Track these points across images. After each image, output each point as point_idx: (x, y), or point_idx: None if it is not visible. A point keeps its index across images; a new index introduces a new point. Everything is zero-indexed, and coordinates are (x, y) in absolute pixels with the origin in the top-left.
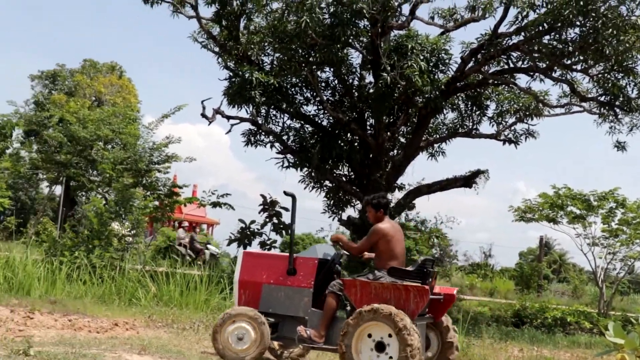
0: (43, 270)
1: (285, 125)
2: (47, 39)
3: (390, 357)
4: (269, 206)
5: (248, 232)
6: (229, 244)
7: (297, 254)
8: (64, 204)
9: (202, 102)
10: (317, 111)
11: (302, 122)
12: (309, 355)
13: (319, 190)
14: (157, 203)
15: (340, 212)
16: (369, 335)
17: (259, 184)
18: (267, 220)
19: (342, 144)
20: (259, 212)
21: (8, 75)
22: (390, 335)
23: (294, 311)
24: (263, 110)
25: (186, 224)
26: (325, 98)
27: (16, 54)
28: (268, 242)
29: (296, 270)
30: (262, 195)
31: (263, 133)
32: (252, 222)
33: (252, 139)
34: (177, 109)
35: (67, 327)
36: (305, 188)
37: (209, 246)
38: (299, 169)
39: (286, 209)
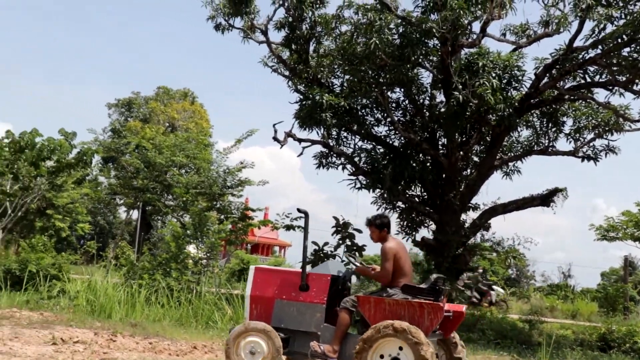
0: (123, 293)
1: (357, 146)
2: (123, 68)
3: None
4: (341, 228)
5: (321, 254)
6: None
7: (309, 270)
8: (140, 228)
9: (274, 125)
10: (388, 132)
11: (373, 143)
12: None
13: (392, 211)
14: (230, 226)
15: (414, 233)
16: (382, 352)
17: (329, 205)
18: (340, 242)
19: (414, 164)
20: (332, 234)
21: (87, 105)
22: (402, 350)
23: (307, 326)
24: (334, 132)
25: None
26: (396, 118)
27: (94, 84)
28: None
29: (309, 286)
30: (335, 218)
31: (334, 155)
32: (325, 244)
33: (324, 161)
34: (249, 133)
35: (148, 349)
36: (377, 209)
37: (494, 287)
38: (371, 190)
39: (359, 231)
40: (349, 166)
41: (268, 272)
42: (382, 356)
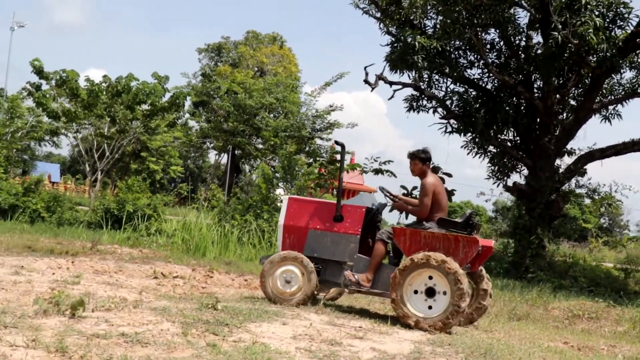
0: (216, 233)
1: (448, 89)
2: (213, 13)
3: (437, 301)
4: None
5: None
6: (390, 211)
7: (345, 202)
8: (230, 172)
9: (365, 68)
10: (481, 74)
11: (465, 86)
12: (340, 299)
13: (483, 156)
14: (318, 169)
15: (505, 178)
16: (417, 282)
17: None
18: None
19: (507, 107)
20: None
21: (179, 50)
22: (437, 280)
23: (340, 256)
24: (425, 75)
25: None
26: (490, 60)
27: (185, 29)
28: None
29: (343, 217)
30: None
31: (425, 98)
32: (414, 188)
33: (414, 104)
34: (339, 76)
35: (244, 286)
36: (468, 154)
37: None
38: (462, 134)
39: (449, 175)
40: (440, 110)
41: (302, 202)
42: (416, 289)
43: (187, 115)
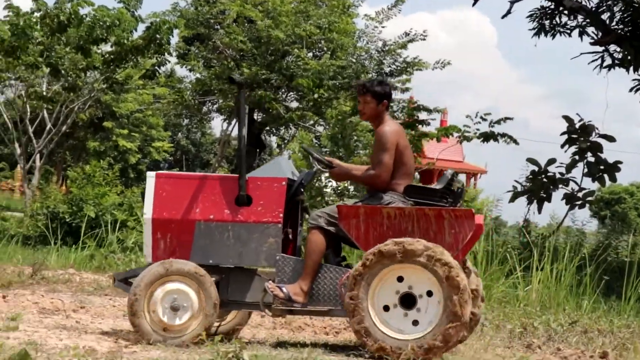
0: None
1: None
2: None
3: (420, 311)
4: (578, 134)
5: (544, 179)
6: (512, 199)
7: (251, 174)
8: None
9: None
10: None
11: None
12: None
13: None
14: None
15: None
16: (385, 290)
17: (550, 103)
18: (577, 157)
19: None
20: (562, 146)
21: None
22: (417, 281)
23: (251, 260)
24: None
25: None
26: None
27: None
28: (577, 193)
29: (252, 198)
30: (567, 118)
31: (565, 12)
32: (551, 161)
33: (547, 23)
34: None
35: (282, 325)
36: None
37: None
38: (631, 69)
39: (610, 139)
40: (590, 29)
41: (179, 180)
42: (385, 297)
43: (174, 59)
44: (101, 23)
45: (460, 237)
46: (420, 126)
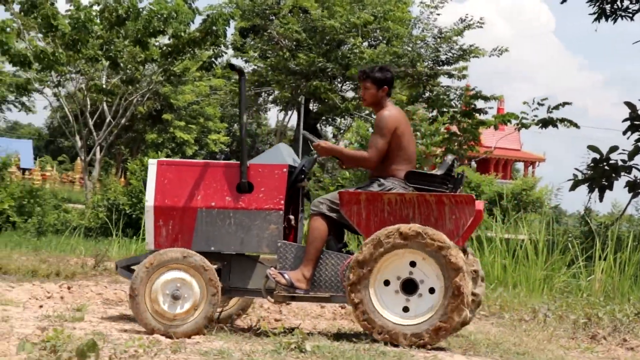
0: None
1: None
2: None
3: (422, 296)
4: None
5: (605, 167)
6: (573, 188)
7: (252, 160)
8: (303, 137)
9: None
10: None
11: None
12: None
13: None
14: (445, 127)
15: None
16: (387, 276)
17: (611, 90)
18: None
19: None
20: (624, 133)
21: None
22: (416, 265)
23: (253, 247)
24: None
25: None
26: None
27: None
28: None
29: (252, 185)
30: (629, 104)
31: None
32: (613, 149)
33: (609, 7)
34: None
35: (341, 316)
36: None
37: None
38: None
39: None
40: None
41: (182, 167)
42: (387, 282)
43: (231, 51)
44: (159, 16)
45: (461, 223)
46: (477, 114)
